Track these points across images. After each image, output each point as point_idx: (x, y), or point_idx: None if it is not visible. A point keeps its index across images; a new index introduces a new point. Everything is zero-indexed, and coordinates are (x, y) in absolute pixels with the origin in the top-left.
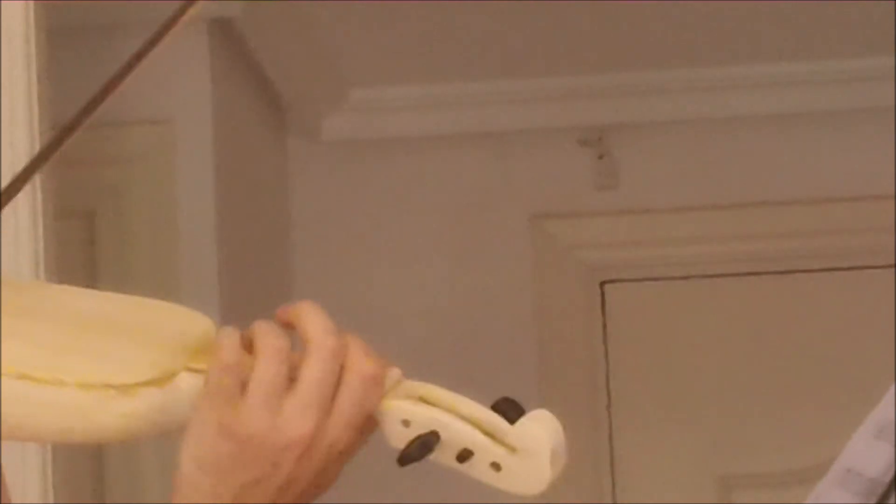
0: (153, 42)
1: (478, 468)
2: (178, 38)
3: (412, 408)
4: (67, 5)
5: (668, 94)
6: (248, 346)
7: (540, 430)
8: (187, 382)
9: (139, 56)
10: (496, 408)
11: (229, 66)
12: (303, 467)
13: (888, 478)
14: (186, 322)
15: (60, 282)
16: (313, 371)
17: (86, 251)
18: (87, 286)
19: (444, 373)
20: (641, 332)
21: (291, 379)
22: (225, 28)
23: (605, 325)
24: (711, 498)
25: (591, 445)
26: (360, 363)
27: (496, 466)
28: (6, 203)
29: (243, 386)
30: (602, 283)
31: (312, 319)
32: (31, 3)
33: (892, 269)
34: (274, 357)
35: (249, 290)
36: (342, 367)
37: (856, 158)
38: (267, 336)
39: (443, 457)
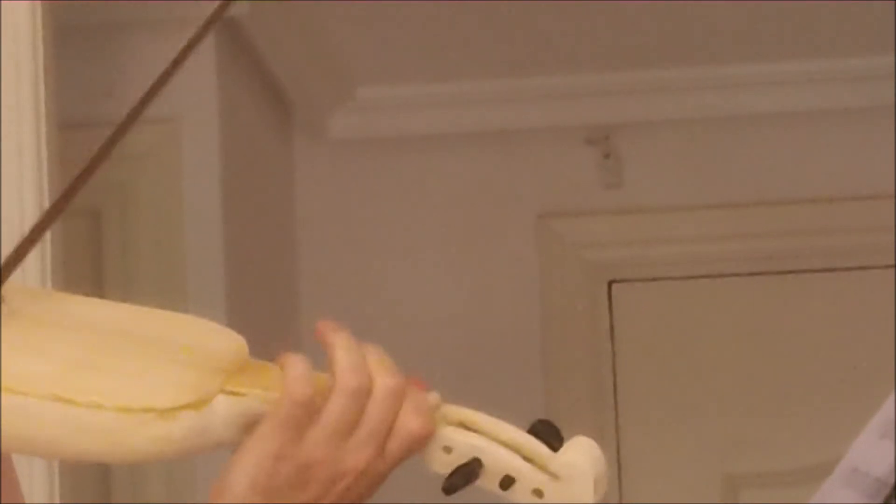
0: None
1: (520, 494)
2: (185, 37)
3: (454, 435)
4: (74, 5)
5: (674, 93)
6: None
7: (583, 458)
8: (223, 405)
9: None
10: (534, 430)
11: (235, 65)
12: (347, 494)
13: (893, 478)
14: (219, 341)
15: (67, 280)
16: (377, 414)
17: (92, 249)
18: (94, 284)
19: (450, 372)
20: (648, 330)
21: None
22: (231, 27)
23: (611, 324)
24: (717, 497)
25: (597, 443)
26: (412, 421)
27: (538, 493)
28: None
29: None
30: (609, 283)
31: (376, 360)
32: (38, 3)
33: None
34: (352, 397)
35: (255, 288)
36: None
37: (867, 157)
38: (348, 374)
39: (485, 483)
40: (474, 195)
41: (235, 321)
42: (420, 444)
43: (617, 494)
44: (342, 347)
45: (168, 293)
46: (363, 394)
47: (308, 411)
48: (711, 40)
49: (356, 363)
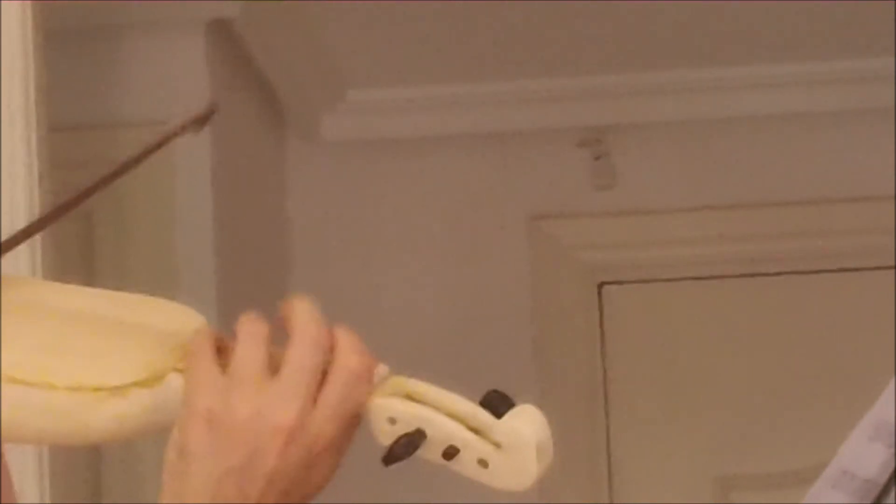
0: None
1: (464, 465)
2: (176, 39)
3: (398, 405)
4: (65, 6)
5: (667, 94)
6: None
7: (525, 425)
8: (177, 383)
9: (143, 155)
10: (485, 401)
11: (227, 67)
12: (287, 458)
13: (883, 479)
14: (179, 320)
15: (58, 281)
16: (296, 357)
17: (84, 252)
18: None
19: (441, 373)
20: (639, 333)
21: (275, 369)
22: (223, 29)
23: (602, 326)
24: (709, 498)
25: (588, 446)
26: (347, 357)
27: (483, 463)
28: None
29: (223, 370)
30: (600, 285)
31: (300, 310)
32: (29, 4)
33: (895, 270)
34: (251, 340)
35: (247, 291)
36: (329, 361)
37: (856, 159)
38: (245, 323)
39: (429, 454)
40: (466, 197)
41: (227, 322)
42: (359, 382)
43: (608, 496)
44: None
45: (160, 295)
46: (262, 336)
47: (210, 362)
48: (706, 41)
49: (252, 316)
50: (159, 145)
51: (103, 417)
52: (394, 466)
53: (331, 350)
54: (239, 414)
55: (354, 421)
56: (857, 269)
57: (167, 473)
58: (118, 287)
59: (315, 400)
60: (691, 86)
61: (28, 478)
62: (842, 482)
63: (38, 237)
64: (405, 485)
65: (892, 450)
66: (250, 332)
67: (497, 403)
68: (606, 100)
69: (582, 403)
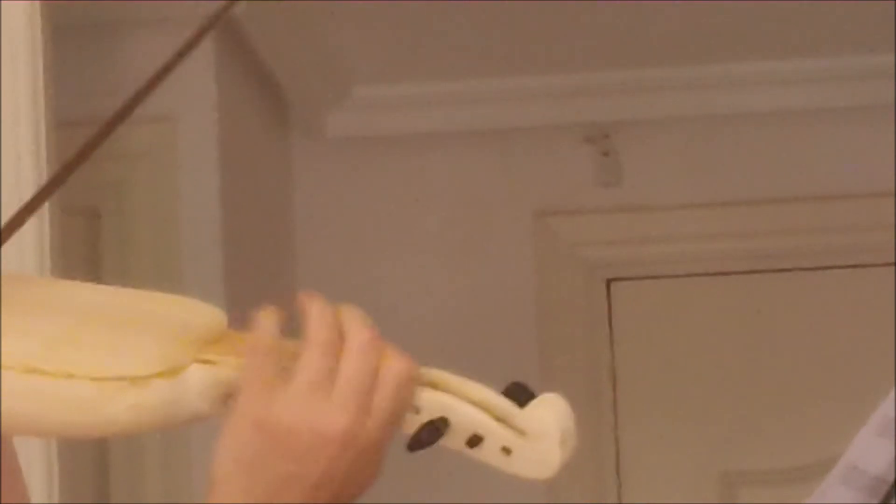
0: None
1: (488, 453)
2: (183, 36)
3: (422, 394)
4: (72, 3)
5: (672, 91)
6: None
7: (549, 413)
8: (197, 374)
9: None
10: (507, 393)
11: (233, 64)
12: (339, 465)
13: (892, 476)
14: (196, 313)
15: (65, 278)
16: (352, 366)
17: (90, 248)
18: (92, 282)
19: (446, 369)
20: (646, 329)
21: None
22: (229, 26)
23: (610, 323)
24: (715, 494)
25: (596, 442)
26: (397, 362)
27: (506, 451)
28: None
29: (282, 375)
30: (608, 281)
31: (349, 317)
32: (36, 2)
33: None
34: (324, 349)
35: (253, 288)
36: (378, 367)
37: (859, 155)
38: (320, 327)
39: (453, 442)
40: (472, 193)
41: (233, 318)
42: (407, 386)
43: (615, 491)
44: (314, 307)
45: (166, 291)
46: (334, 346)
47: (274, 365)
48: (711, 38)
49: (327, 319)
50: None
51: (123, 407)
52: (411, 460)
53: (381, 354)
54: (294, 424)
55: (401, 421)
56: (862, 266)
57: (218, 478)
58: (124, 282)
59: (368, 406)
60: (697, 82)
61: (36, 473)
62: (851, 478)
63: (46, 234)
64: (416, 483)
65: None
66: (323, 340)
67: (519, 394)
68: (612, 96)
69: (589, 400)
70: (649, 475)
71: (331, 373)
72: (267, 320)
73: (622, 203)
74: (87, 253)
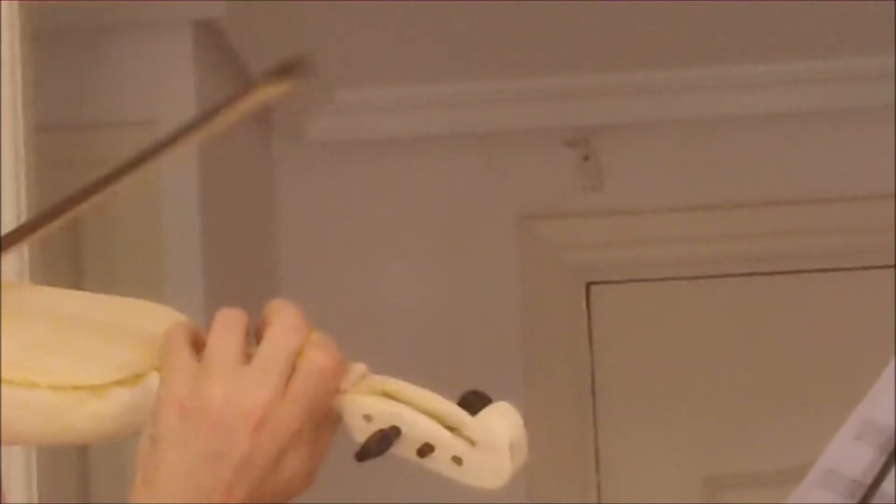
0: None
1: (439, 462)
2: (163, 39)
3: (373, 402)
4: (52, 7)
5: (655, 94)
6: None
7: (499, 422)
8: (156, 382)
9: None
10: (463, 401)
11: (214, 67)
12: (257, 444)
13: (869, 479)
14: (163, 321)
15: (46, 281)
16: (270, 344)
17: (71, 253)
18: (73, 288)
19: (429, 372)
20: (627, 333)
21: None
22: (209, 29)
23: (590, 326)
24: (698, 498)
25: (576, 446)
26: (314, 353)
27: (457, 460)
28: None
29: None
30: (588, 284)
31: (277, 308)
32: (16, 4)
33: (892, 270)
34: (225, 327)
35: (235, 291)
36: (299, 356)
37: (853, 157)
38: (222, 312)
39: (404, 451)
40: (454, 197)
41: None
42: (328, 376)
43: (596, 496)
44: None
45: (147, 295)
46: (238, 323)
47: (183, 350)
48: (693, 41)
49: (230, 308)
50: (230, 105)
51: (83, 416)
52: (370, 464)
53: (306, 341)
54: (210, 400)
55: (327, 417)
56: (851, 269)
57: (141, 461)
58: (106, 287)
59: (282, 387)
60: (680, 85)
61: (15, 476)
62: (828, 481)
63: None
64: (391, 485)
65: (878, 449)
66: (225, 320)
67: (474, 402)
68: (594, 100)
69: (570, 403)
70: (631, 479)
71: (241, 348)
72: (180, 322)
73: (604, 207)
74: (69, 257)
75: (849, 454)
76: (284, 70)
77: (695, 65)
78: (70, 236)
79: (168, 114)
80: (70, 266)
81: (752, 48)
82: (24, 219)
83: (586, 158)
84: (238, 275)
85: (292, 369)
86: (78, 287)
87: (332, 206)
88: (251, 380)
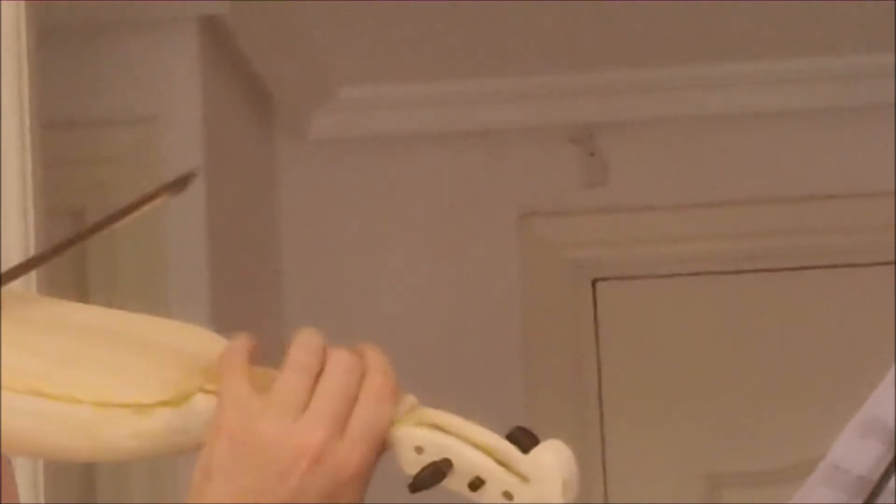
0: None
1: (489, 496)
2: (167, 36)
3: (426, 434)
4: (57, 4)
5: (658, 91)
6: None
7: (552, 460)
8: (202, 404)
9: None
10: (511, 437)
11: (217, 65)
12: (310, 483)
13: (876, 475)
14: (203, 342)
15: (50, 279)
16: (328, 383)
17: (75, 249)
18: (76, 283)
19: (431, 371)
20: (632, 329)
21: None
22: (213, 26)
23: (595, 323)
24: (700, 495)
25: (581, 443)
26: (371, 379)
27: (508, 496)
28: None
29: (257, 394)
30: (594, 281)
31: (333, 346)
32: (22, 3)
33: (892, 266)
34: (302, 370)
35: (238, 288)
36: (359, 385)
37: (855, 155)
38: (301, 348)
39: (455, 484)
40: (457, 194)
41: (218, 317)
42: (384, 403)
43: (601, 492)
44: (301, 334)
45: (151, 291)
46: (312, 367)
47: (244, 381)
48: (699, 38)
49: (310, 343)
50: (139, 205)
51: (126, 434)
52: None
53: (362, 376)
54: (265, 435)
55: (379, 449)
56: (854, 265)
57: (191, 492)
58: (109, 284)
59: (343, 426)
60: (683, 82)
61: (22, 479)
62: (835, 478)
63: (31, 234)
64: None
65: (886, 446)
66: (302, 361)
67: (522, 438)
68: (597, 96)
69: (574, 400)
70: (635, 476)
71: (308, 392)
72: (240, 338)
73: (608, 203)
74: (73, 253)
75: (855, 451)
76: (179, 183)
77: (700, 62)
78: (73, 231)
79: (172, 111)
80: (74, 261)
81: (757, 45)
82: (29, 216)
83: (591, 155)
84: (241, 270)
85: (349, 410)
86: (81, 282)
87: (334, 203)
88: (310, 418)
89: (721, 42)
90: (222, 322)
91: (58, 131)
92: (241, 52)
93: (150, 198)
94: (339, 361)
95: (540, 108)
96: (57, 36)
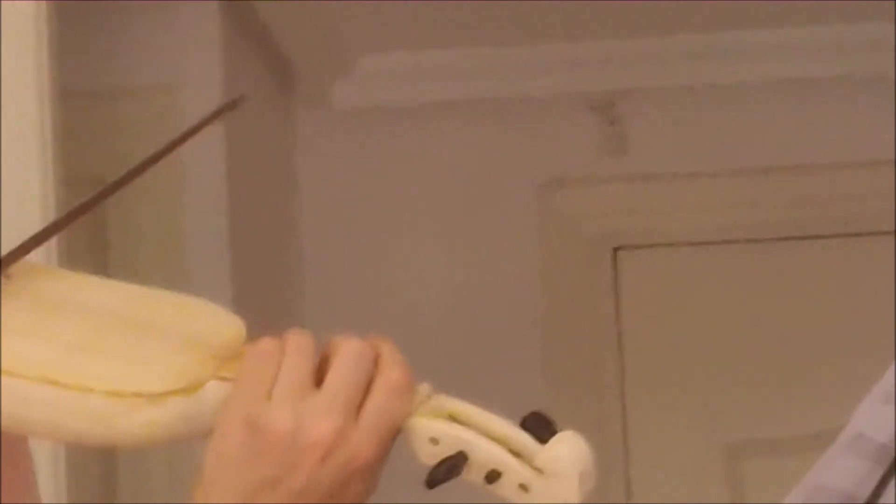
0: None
1: (506, 489)
2: (188, 5)
3: (441, 426)
4: None
5: (678, 59)
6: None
7: (568, 453)
8: (215, 392)
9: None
10: (526, 423)
11: (238, 33)
12: (322, 473)
13: None
14: (217, 325)
15: (70, 247)
16: (339, 372)
17: (94, 217)
18: (95, 251)
19: (450, 342)
20: (653, 298)
21: (319, 383)
22: None
23: (616, 292)
24: (721, 465)
25: (601, 413)
26: (389, 370)
27: (524, 488)
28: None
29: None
30: (614, 250)
31: (341, 339)
32: None
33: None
34: (299, 352)
35: (258, 257)
36: (371, 375)
37: (879, 122)
38: (293, 335)
39: (471, 476)
40: (477, 163)
41: (238, 288)
42: (400, 397)
43: (622, 460)
44: (290, 333)
45: (170, 263)
46: (312, 347)
47: (268, 368)
48: (718, 6)
49: (299, 331)
50: (194, 132)
51: (138, 423)
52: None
53: (374, 366)
54: (278, 425)
55: (392, 438)
56: (879, 234)
57: (202, 477)
58: (129, 252)
59: (355, 415)
60: (704, 51)
61: (43, 466)
62: (857, 446)
63: (51, 202)
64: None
65: None
66: (298, 345)
67: (538, 427)
68: (617, 65)
69: (595, 370)
70: (656, 445)
71: (314, 373)
72: (270, 342)
73: (628, 172)
74: (92, 222)
75: (877, 419)
76: (227, 108)
77: (722, 29)
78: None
79: (192, 80)
80: (93, 230)
81: (779, 13)
82: (48, 185)
83: (611, 123)
84: (260, 239)
85: (362, 397)
86: (101, 250)
87: (354, 172)
88: (320, 408)
89: (742, 10)
90: (242, 293)
91: (78, 100)
92: (262, 21)
93: (205, 123)
94: (352, 349)
95: (560, 77)
96: (78, 4)
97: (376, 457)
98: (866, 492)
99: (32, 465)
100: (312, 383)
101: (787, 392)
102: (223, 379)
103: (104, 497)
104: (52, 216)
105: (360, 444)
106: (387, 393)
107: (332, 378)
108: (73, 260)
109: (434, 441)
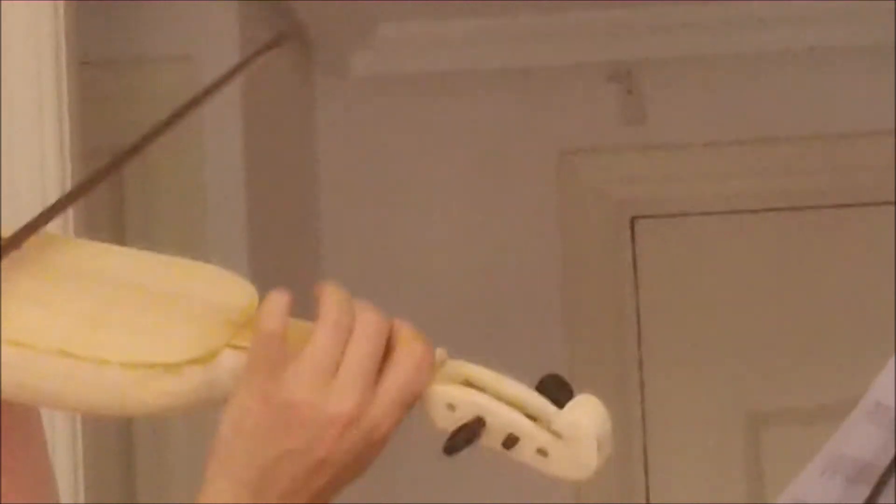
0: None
1: (524, 454)
2: None
3: (458, 392)
4: None
5: (697, 28)
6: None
7: (586, 418)
8: (230, 360)
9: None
10: (542, 386)
11: (256, 3)
12: (339, 449)
13: None
14: (231, 293)
15: (87, 214)
16: (358, 350)
17: (112, 187)
18: (114, 219)
19: (471, 309)
20: (671, 267)
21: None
22: None
23: (634, 261)
24: (741, 433)
25: (620, 381)
26: (411, 346)
27: (542, 452)
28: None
29: (289, 354)
30: (633, 219)
31: (361, 303)
32: None
33: None
34: (333, 331)
35: (276, 227)
36: (391, 348)
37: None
38: (331, 309)
39: (488, 442)
40: (496, 133)
41: (256, 256)
42: (421, 372)
43: (641, 431)
44: (329, 291)
45: (189, 232)
46: (342, 328)
47: (281, 346)
48: None
49: (339, 301)
50: (240, 68)
51: (155, 393)
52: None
53: (388, 338)
54: (299, 399)
55: (410, 407)
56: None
57: (219, 447)
58: (147, 221)
59: (373, 389)
60: (721, 20)
61: (60, 434)
62: (876, 414)
63: (68, 171)
64: (442, 479)
65: None
66: (336, 323)
67: (555, 390)
68: (636, 34)
69: (614, 339)
70: (675, 414)
71: (340, 351)
72: (276, 299)
73: (646, 141)
74: (110, 191)
75: None
76: (275, 42)
77: None
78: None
79: (210, 49)
80: (111, 199)
81: None
82: (66, 154)
83: (629, 93)
84: (279, 209)
85: (379, 371)
86: (119, 219)
87: (373, 141)
88: (341, 384)
89: None
90: (260, 261)
91: (96, 70)
92: None
93: (249, 60)
94: (370, 324)
95: (578, 46)
96: None
97: (392, 429)
98: (885, 460)
99: (44, 436)
100: (337, 363)
101: (805, 361)
102: (237, 347)
103: (122, 471)
104: (69, 186)
105: (383, 416)
106: (410, 367)
107: (350, 353)
108: (91, 228)
109: (451, 407)
